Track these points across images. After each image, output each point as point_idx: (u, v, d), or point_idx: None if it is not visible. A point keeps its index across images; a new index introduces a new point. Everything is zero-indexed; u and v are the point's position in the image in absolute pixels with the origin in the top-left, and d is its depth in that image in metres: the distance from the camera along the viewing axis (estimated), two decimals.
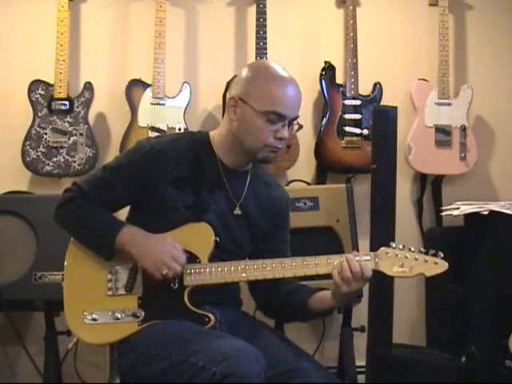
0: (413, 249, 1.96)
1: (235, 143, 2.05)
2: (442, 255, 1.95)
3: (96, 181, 2.07)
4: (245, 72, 2.05)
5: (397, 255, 1.95)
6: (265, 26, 3.21)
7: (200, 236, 2.01)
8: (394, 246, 1.96)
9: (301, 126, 2.08)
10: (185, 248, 1.99)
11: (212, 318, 1.95)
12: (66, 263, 2.06)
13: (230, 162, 2.08)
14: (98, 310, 1.99)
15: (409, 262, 1.95)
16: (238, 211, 2.08)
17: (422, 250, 1.97)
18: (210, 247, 2.00)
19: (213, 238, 2.00)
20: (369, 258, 1.96)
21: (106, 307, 1.98)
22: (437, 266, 1.95)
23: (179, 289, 1.97)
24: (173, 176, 2.01)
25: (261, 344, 1.93)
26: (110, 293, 2.00)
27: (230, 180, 2.08)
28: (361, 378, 2.99)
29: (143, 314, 1.97)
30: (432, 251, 1.96)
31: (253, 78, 2.02)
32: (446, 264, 1.95)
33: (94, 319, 1.98)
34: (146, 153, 2.03)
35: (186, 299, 1.96)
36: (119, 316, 1.97)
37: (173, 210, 2.01)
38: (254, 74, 2.03)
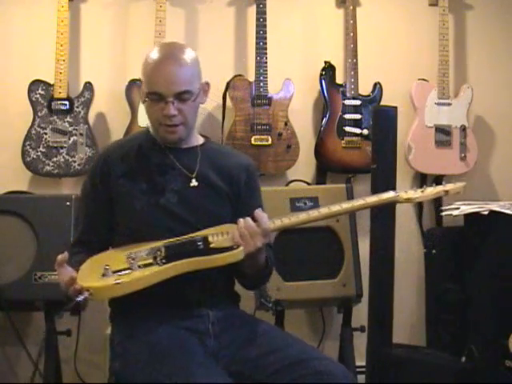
0: None
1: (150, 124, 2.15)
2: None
3: (81, 218, 2.19)
4: None
5: (415, 190, 2.10)
6: (265, 26, 3.21)
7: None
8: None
9: (193, 99, 2.08)
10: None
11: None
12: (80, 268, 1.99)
13: (170, 143, 2.13)
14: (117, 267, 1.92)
15: (428, 190, 2.11)
16: (194, 183, 2.11)
17: None
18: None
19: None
20: (390, 194, 2.09)
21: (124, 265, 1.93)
22: (455, 184, 2.15)
23: (205, 246, 1.97)
24: (121, 171, 2.10)
25: (264, 341, 1.95)
26: (129, 260, 1.94)
27: (180, 157, 2.13)
28: (361, 378, 2.99)
29: (164, 261, 1.92)
30: None
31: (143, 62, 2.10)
32: (464, 183, 2.17)
33: (115, 271, 1.91)
34: (96, 163, 2.17)
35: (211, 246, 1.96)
36: (137, 267, 1.92)
37: (131, 199, 2.06)
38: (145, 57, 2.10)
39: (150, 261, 1.93)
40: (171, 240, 1.99)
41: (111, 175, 2.10)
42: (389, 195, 2.09)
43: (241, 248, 1.93)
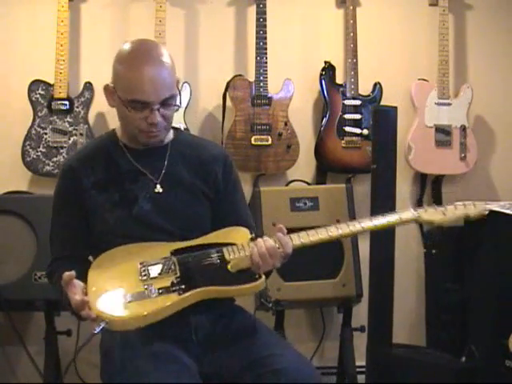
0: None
1: (124, 129, 2.04)
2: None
3: (55, 235, 2.11)
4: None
5: (436, 209, 2.06)
6: (265, 26, 3.21)
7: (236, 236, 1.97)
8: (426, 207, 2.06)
9: (178, 106, 2.00)
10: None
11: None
12: (89, 274, 1.91)
13: (138, 146, 2.03)
14: (131, 292, 1.82)
15: (449, 211, 2.07)
16: (158, 189, 2.01)
17: None
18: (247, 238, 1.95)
19: (249, 236, 1.96)
20: (410, 214, 2.03)
21: (140, 289, 1.83)
22: (476, 206, 2.10)
23: (222, 264, 1.89)
24: (90, 183, 2.00)
25: (234, 338, 1.90)
26: (143, 278, 1.85)
27: (147, 162, 2.02)
28: (361, 378, 2.99)
29: (183, 286, 1.84)
30: None
31: (114, 63, 1.97)
32: (486, 206, 2.12)
33: (130, 299, 1.81)
34: (62, 177, 2.06)
35: (229, 267, 1.88)
36: (155, 292, 1.82)
37: (103, 212, 1.98)
38: (115, 58, 1.97)
39: (167, 284, 1.83)
40: (180, 246, 1.92)
41: (82, 188, 1.99)
42: (408, 216, 2.04)
43: (263, 278, 1.86)
